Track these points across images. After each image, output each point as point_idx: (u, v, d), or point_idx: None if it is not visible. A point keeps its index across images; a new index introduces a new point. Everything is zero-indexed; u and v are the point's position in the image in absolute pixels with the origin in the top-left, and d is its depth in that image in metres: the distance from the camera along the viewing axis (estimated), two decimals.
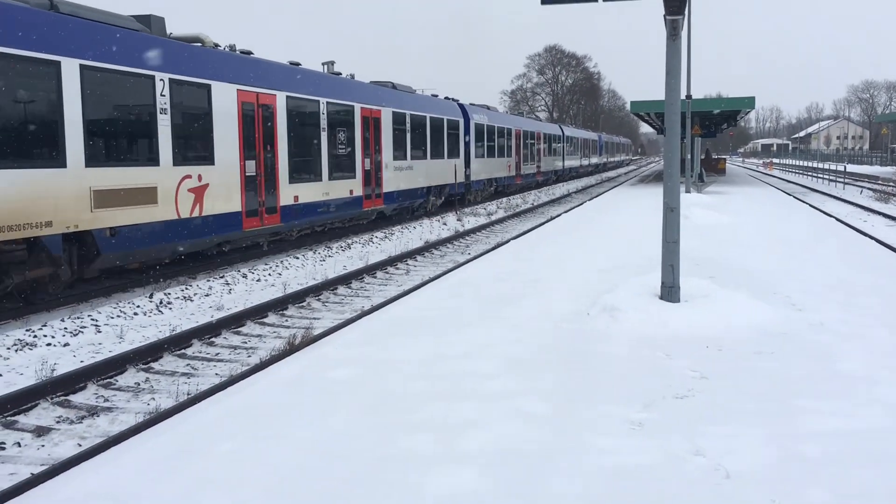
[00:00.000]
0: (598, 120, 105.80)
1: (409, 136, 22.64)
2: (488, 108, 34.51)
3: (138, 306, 10.64)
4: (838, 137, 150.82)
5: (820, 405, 5.16)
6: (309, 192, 17.02)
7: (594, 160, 66.04)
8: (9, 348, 8.52)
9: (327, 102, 17.77)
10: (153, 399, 7.15)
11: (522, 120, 41.18)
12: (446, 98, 29.08)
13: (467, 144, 28.58)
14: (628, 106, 48.79)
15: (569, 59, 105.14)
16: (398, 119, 21.90)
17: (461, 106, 29.24)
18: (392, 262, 15.16)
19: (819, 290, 9.18)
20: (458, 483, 4.06)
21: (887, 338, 6.94)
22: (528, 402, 5.31)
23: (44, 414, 6.79)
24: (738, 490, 3.93)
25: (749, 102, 33.16)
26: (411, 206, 23.85)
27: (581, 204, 27.35)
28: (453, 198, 28.31)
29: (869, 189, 37.12)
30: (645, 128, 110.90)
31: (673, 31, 7.87)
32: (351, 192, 19.02)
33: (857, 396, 5.34)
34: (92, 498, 4.01)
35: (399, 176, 21.97)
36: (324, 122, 17.63)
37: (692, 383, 5.69)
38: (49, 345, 8.83)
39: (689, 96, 27.23)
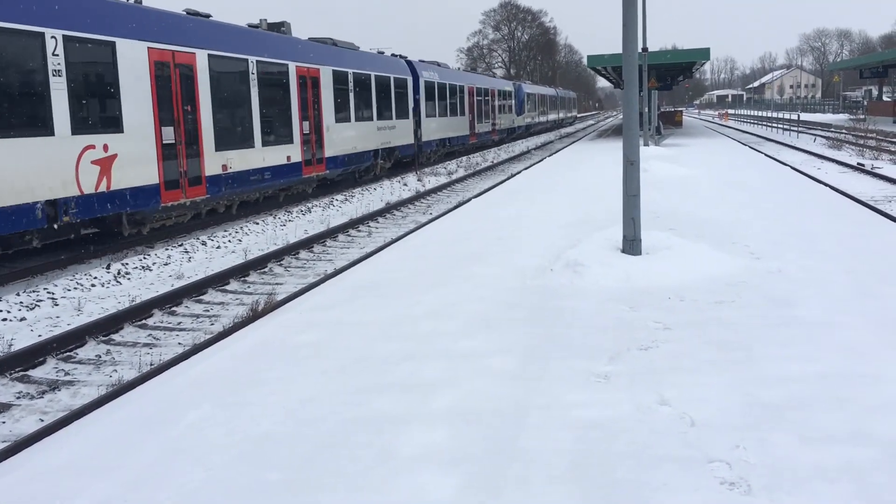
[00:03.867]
0: (555, 75, 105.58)
1: None
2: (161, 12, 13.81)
3: (95, 278, 10.42)
4: (791, 86, 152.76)
5: (781, 351, 5.25)
6: None
7: (505, 124, 43.42)
8: None
9: None
10: (115, 371, 7.03)
11: (303, 43, 19.23)
12: None
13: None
14: (585, 61, 48.61)
15: (524, 14, 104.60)
16: None
17: None
18: (354, 224, 15.04)
19: (777, 239, 9.33)
20: (431, 442, 4.06)
21: (845, 283, 7.09)
22: (497, 359, 5.32)
23: (3, 390, 6.65)
24: (703, 437, 4.00)
25: (704, 54, 33.34)
26: None
27: (541, 160, 27.38)
28: None
29: (822, 137, 37.71)
30: (602, 82, 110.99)
31: None
32: None
33: (817, 341, 5.44)
34: (57, 472, 3.94)
35: None
36: None
37: (656, 334, 5.76)
38: (5, 319, 8.62)
39: (645, 49, 27.25)
